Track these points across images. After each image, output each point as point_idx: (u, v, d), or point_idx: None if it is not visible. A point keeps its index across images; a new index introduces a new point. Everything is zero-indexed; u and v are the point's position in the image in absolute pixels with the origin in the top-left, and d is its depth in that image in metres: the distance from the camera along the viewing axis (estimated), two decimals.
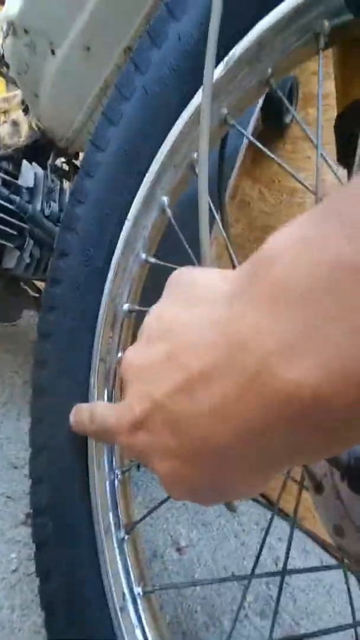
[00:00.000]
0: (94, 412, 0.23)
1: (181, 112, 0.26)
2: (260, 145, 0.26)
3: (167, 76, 0.26)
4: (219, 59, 0.24)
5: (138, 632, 0.27)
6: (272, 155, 0.27)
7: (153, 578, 0.49)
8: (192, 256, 0.29)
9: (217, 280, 0.16)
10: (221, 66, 0.24)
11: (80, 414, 0.26)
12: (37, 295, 0.76)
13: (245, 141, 0.60)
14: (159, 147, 0.27)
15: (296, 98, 0.65)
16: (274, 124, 0.67)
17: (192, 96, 0.26)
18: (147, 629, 0.27)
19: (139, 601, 0.28)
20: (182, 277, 0.18)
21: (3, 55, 0.50)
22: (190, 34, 0.25)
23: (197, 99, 0.26)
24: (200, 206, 0.20)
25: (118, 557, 0.29)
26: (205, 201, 0.20)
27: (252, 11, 0.23)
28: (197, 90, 0.26)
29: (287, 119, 0.68)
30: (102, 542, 0.29)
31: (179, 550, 0.56)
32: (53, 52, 0.42)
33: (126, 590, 0.28)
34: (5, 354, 0.90)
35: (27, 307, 0.77)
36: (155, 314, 0.18)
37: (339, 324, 0.10)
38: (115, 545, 0.30)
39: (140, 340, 0.18)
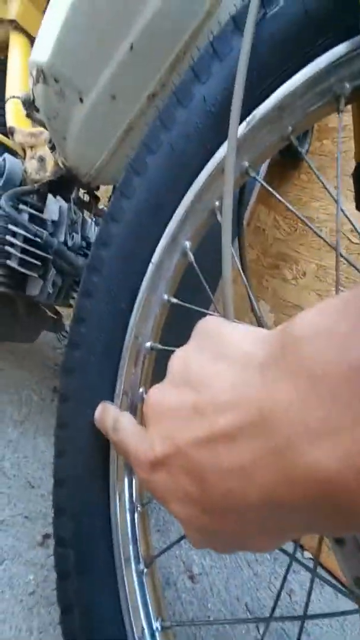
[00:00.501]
0: (118, 422, 0.23)
1: (204, 165, 0.28)
2: (275, 193, 0.27)
3: (192, 134, 0.28)
4: (241, 118, 0.25)
5: None
6: (285, 202, 0.29)
7: (167, 607, 0.48)
8: (210, 295, 0.30)
9: (246, 342, 0.16)
10: (243, 125, 0.26)
11: (106, 417, 0.26)
12: (55, 317, 0.78)
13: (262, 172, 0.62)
14: (182, 197, 0.29)
15: (312, 130, 0.67)
16: (289, 157, 0.69)
17: (214, 151, 0.27)
18: None
19: (157, 636, 0.29)
20: (210, 328, 0.18)
21: (33, 100, 0.53)
22: (215, 97, 0.26)
23: (219, 153, 0.27)
24: (224, 263, 0.21)
25: (137, 591, 0.30)
26: (228, 259, 0.21)
27: (273, 77, 0.25)
28: (219, 145, 0.27)
29: (303, 151, 0.70)
30: (123, 575, 0.30)
31: (191, 578, 0.55)
32: (81, 100, 0.45)
33: (145, 625, 0.29)
34: (21, 371, 0.93)
35: (45, 329, 0.79)
36: (182, 359, 0.18)
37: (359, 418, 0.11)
38: (135, 578, 0.30)
39: (166, 381, 0.18)
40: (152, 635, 0.28)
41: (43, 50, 0.45)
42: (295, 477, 0.12)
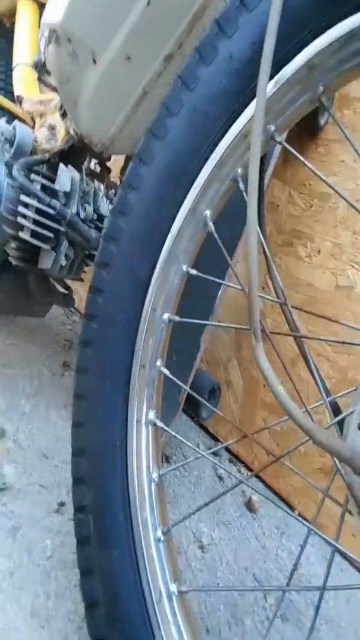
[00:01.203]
0: None
1: (228, 129, 0.27)
2: (304, 161, 0.26)
3: (216, 93, 0.26)
4: (270, 77, 0.24)
5: (173, 628, 0.28)
6: (316, 172, 0.27)
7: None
8: (230, 263, 0.29)
9: None
10: (272, 84, 0.25)
11: None
12: (65, 291, 0.78)
13: (278, 146, 0.59)
14: (205, 163, 0.28)
15: (332, 99, 0.63)
16: (308, 126, 0.66)
17: (240, 113, 0.26)
18: (181, 626, 0.28)
19: (174, 599, 0.30)
20: None
21: (45, 63, 0.51)
22: (242, 52, 0.25)
23: (244, 117, 0.26)
24: (248, 235, 0.21)
25: (155, 556, 0.31)
26: (254, 231, 0.21)
27: (305, 32, 0.23)
28: (244, 109, 0.26)
29: (322, 121, 0.66)
30: (141, 541, 0.31)
31: (201, 548, 0.58)
32: (95, 61, 0.43)
33: (163, 588, 0.30)
34: (32, 346, 0.94)
35: (55, 303, 0.80)
36: None
37: None
38: (153, 544, 0.31)
39: None
40: (170, 598, 0.30)
41: (56, 11, 0.43)
42: None
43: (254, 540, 0.64)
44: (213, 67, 0.26)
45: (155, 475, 0.33)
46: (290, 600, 0.55)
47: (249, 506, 0.71)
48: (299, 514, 0.72)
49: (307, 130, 0.68)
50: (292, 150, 0.27)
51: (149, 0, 0.37)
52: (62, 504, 0.53)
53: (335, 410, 0.34)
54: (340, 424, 0.27)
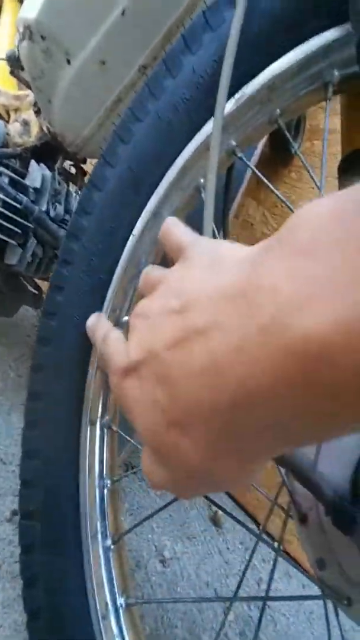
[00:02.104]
0: (108, 335, 0.23)
1: (190, 139, 0.28)
2: (263, 179, 0.28)
3: (179, 104, 0.28)
4: (229, 95, 0.25)
5: None
6: (274, 190, 0.29)
7: (135, 588, 0.50)
8: None
9: (242, 249, 0.16)
10: (232, 102, 0.26)
11: (98, 328, 0.26)
12: (35, 292, 0.77)
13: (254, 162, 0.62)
14: (167, 169, 0.29)
15: (302, 130, 0.67)
16: (280, 153, 0.69)
17: (201, 126, 0.27)
18: None
19: (121, 612, 0.29)
20: (201, 248, 0.17)
21: (18, 57, 0.51)
22: (204, 69, 0.26)
23: (207, 128, 0.27)
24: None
25: (103, 566, 0.30)
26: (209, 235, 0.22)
27: (263, 55, 0.25)
28: (206, 120, 0.27)
29: (294, 149, 0.70)
30: (89, 550, 0.30)
31: (162, 562, 0.56)
32: (69, 62, 0.44)
33: (109, 601, 0.29)
34: None
35: (25, 303, 0.78)
36: (175, 279, 0.17)
37: (349, 276, 0.11)
38: (101, 553, 0.30)
39: (154, 294, 0.18)
40: (116, 611, 0.29)
41: (32, 7, 0.43)
42: (278, 353, 0.11)
43: (218, 555, 0.63)
44: (178, 79, 0.28)
45: (108, 482, 0.33)
46: (250, 616, 0.55)
47: (215, 520, 0.71)
48: (262, 528, 0.73)
49: (281, 158, 0.71)
50: (253, 168, 0.29)
51: (124, 10, 0.38)
52: (15, 513, 0.51)
53: None
54: None
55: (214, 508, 0.73)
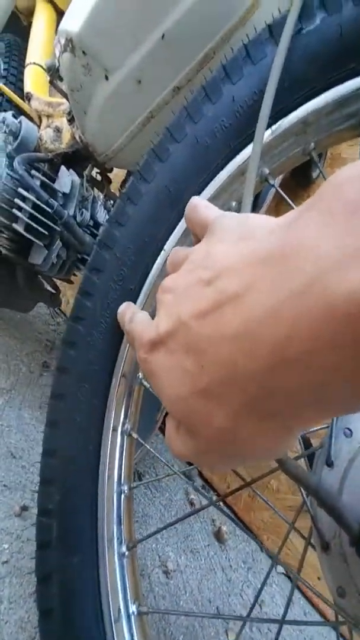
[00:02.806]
0: (135, 315, 0.23)
1: (226, 164, 0.29)
2: (292, 203, 0.29)
3: (217, 130, 0.29)
4: (267, 125, 0.27)
5: None
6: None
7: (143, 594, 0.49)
8: None
9: (270, 218, 0.15)
10: (269, 132, 0.28)
11: (126, 310, 0.27)
12: (53, 291, 0.79)
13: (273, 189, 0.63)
14: (201, 191, 0.30)
15: (324, 158, 0.69)
16: (301, 178, 0.70)
17: (237, 152, 0.29)
18: None
19: (132, 619, 0.29)
20: (228, 221, 0.17)
21: (58, 68, 0.53)
22: (244, 99, 0.28)
23: (242, 155, 0.29)
24: None
25: (118, 572, 0.30)
26: None
27: (301, 92, 0.26)
28: (242, 148, 0.29)
29: (314, 175, 0.72)
30: (105, 554, 0.30)
31: (166, 573, 0.56)
32: (107, 78, 0.46)
33: (122, 606, 0.29)
34: (12, 341, 0.93)
35: (42, 301, 0.80)
36: (202, 252, 0.16)
37: None
38: (116, 559, 0.31)
39: (181, 269, 0.17)
40: (128, 618, 0.29)
41: (75, 20, 0.44)
42: (319, 313, 0.11)
43: (220, 572, 0.63)
44: (217, 106, 0.29)
45: (126, 488, 0.33)
46: (252, 638, 0.55)
47: (218, 536, 0.71)
48: (267, 550, 0.72)
49: (301, 181, 0.73)
50: (282, 193, 0.30)
51: (164, 34, 0.40)
52: (25, 508, 0.51)
53: (307, 443, 0.34)
54: (310, 458, 0.28)
55: (218, 523, 0.72)
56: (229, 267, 0.14)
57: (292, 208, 0.29)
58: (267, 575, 0.30)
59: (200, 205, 0.20)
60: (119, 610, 0.29)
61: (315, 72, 0.26)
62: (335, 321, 0.11)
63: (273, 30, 0.27)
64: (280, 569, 0.72)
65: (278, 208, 0.76)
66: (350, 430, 0.26)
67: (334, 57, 0.25)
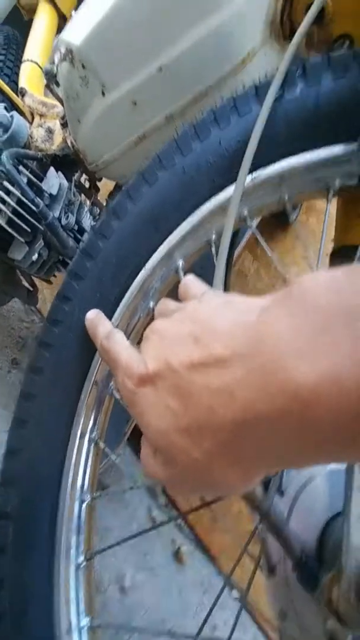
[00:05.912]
0: (113, 334, 0.25)
1: (209, 197, 0.32)
2: (265, 246, 0.32)
3: (204, 166, 0.32)
4: (249, 171, 0.30)
5: None
6: (270, 253, 0.33)
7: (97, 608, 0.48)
8: None
9: (253, 299, 0.18)
10: (249, 178, 0.31)
11: (99, 324, 0.28)
12: (30, 289, 0.77)
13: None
14: (185, 219, 0.33)
15: (300, 205, 0.74)
16: (280, 218, 0.75)
17: (220, 189, 0.32)
18: None
19: (83, 633, 0.29)
20: (217, 293, 0.20)
21: (56, 74, 0.54)
22: (229, 144, 0.31)
23: (224, 193, 0.32)
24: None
25: (72, 583, 0.30)
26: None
27: (279, 150, 0.30)
28: (224, 185, 0.31)
29: (293, 217, 0.77)
30: (60, 563, 0.30)
31: (122, 589, 0.56)
32: (103, 94, 0.47)
33: (73, 619, 0.29)
34: None
35: (17, 297, 0.78)
36: (191, 308, 0.19)
37: (349, 345, 0.13)
38: (72, 569, 0.30)
39: (174, 317, 0.20)
40: (79, 631, 0.28)
41: (78, 33, 0.45)
42: (277, 391, 0.14)
43: (177, 593, 0.63)
44: (205, 144, 0.32)
45: (88, 497, 0.33)
46: None
47: (177, 557, 0.71)
48: (220, 572, 0.72)
49: (281, 220, 0.78)
50: (259, 238, 0.33)
51: (161, 67, 0.42)
52: None
53: None
54: (266, 484, 0.29)
55: (178, 543, 0.72)
56: (215, 331, 0.17)
57: (268, 251, 0.32)
58: (218, 597, 0.31)
59: (194, 282, 0.24)
60: (70, 623, 0.29)
61: (291, 136, 0.29)
62: (285, 399, 0.14)
63: (258, 90, 0.30)
64: (235, 594, 0.71)
65: (256, 244, 0.81)
66: None
67: (309, 125, 0.29)
